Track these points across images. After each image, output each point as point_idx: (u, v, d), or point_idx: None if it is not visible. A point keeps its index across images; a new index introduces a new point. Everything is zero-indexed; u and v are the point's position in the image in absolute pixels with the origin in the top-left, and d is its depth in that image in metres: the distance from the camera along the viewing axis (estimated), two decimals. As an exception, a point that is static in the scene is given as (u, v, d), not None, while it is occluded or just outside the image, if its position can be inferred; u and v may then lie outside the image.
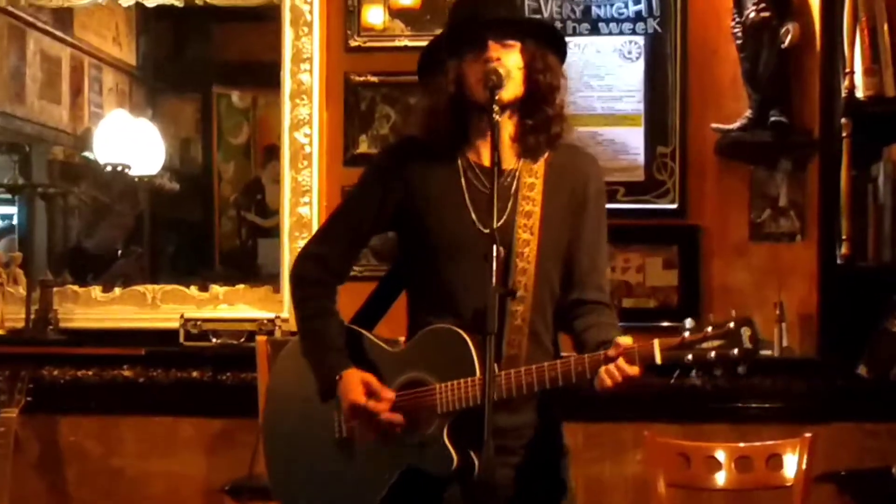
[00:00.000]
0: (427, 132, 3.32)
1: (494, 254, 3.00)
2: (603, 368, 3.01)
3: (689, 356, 3.02)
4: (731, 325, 3.03)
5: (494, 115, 3.10)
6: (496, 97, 3.10)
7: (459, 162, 3.25)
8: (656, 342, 3.02)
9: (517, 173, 3.23)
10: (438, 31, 3.58)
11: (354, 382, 3.19)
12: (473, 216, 3.20)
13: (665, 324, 4.46)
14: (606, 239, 3.39)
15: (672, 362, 3.03)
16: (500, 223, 3.08)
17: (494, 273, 3.00)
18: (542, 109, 3.24)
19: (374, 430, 3.19)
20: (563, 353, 3.27)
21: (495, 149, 3.11)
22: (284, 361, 3.60)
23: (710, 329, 3.03)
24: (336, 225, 3.48)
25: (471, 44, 3.19)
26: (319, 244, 3.48)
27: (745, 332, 3.04)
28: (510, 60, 3.18)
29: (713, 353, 3.02)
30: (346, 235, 3.43)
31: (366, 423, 3.19)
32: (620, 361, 2.99)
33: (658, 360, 3.00)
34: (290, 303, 3.50)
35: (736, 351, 3.01)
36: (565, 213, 3.27)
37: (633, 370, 2.99)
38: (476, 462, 3.09)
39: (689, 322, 3.12)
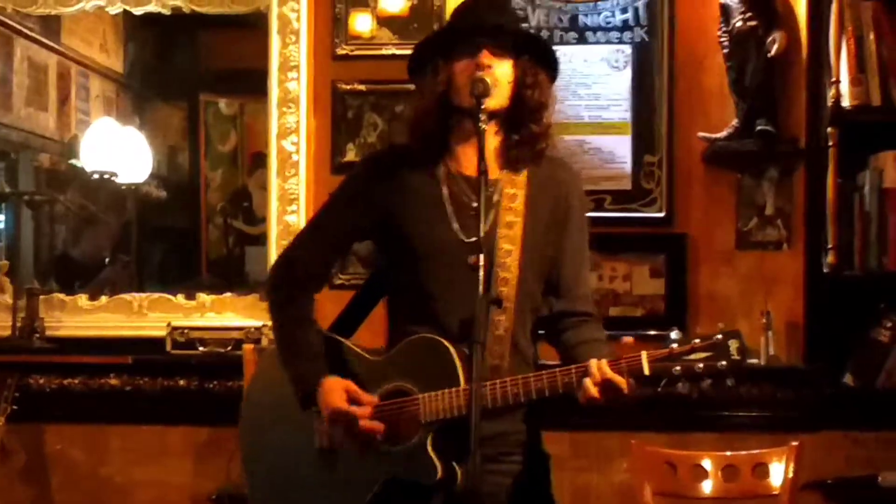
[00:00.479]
0: (413, 132, 3.33)
1: (482, 263, 3.01)
2: (588, 380, 3.03)
3: (677, 367, 3.04)
4: (719, 337, 3.06)
5: (481, 123, 3.11)
6: (482, 105, 3.12)
7: (441, 170, 3.26)
8: (644, 353, 3.05)
9: (500, 184, 3.25)
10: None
11: (335, 389, 3.18)
12: (455, 225, 3.21)
13: (652, 332, 4.47)
14: (589, 250, 3.42)
15: (659, 373, 3.05)
16: (487, 227, 3.11)
17: (482, 282, 3.02)
18: (527, 125, 3.27)
19: (354, 437, 3.18)
20: (541, 361, 3.28)
21: (482, 158, 3.10)
22: (263, 370, 3.61)
23: (697, 341, 3.06)
24: (315, 232, 3.50)
25: (466, 47, 3.20)
26: (297, 250, 3.48)
27: (733, 344, 3.06)
28: (501, 70, 3.19)
29: (701, 365, 3.05)
30: (324, 243, 3.45)
31: (346, 429, 3.18)
32: (605, 368, 3.01)
33: (646, 371, 3.03)
34: (267, 305, 3.47)
35: (724, 363, 3.04)
36: (547, 225, 3.29)
37: (621, 381, 3.00)
38: (459, 472, 3.10)
39: (675, 334, 3.14)
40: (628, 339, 3.13)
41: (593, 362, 3.03)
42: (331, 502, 3.33)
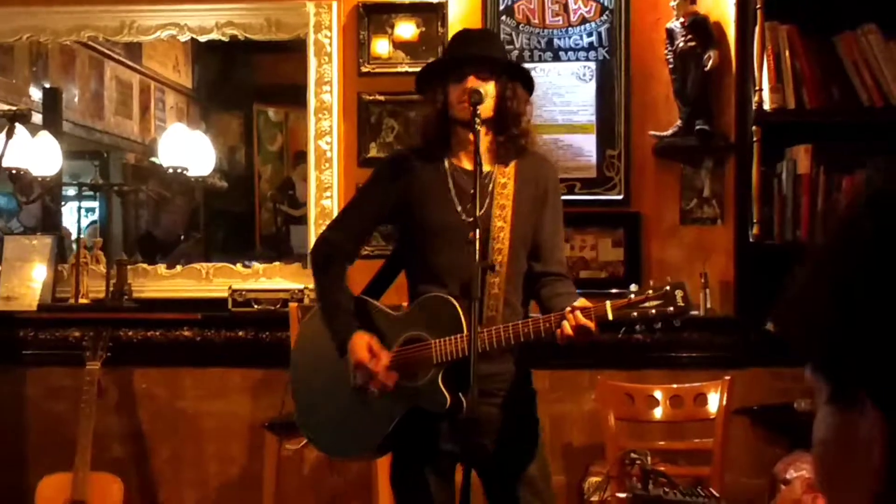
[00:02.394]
0: (422, 137, 3.45)
1: (478, 236, 3.11)
2: (566, 323, 3.10)
3: (635, 313, 3.12)
4: (668, 287, 3.14)
5: (476, 125, 3.21)
6: (477, 111, 3.22)
7: (445, 166, 3.35)
8: (608, 303, 3.16)
9: (493, 175, 3.32)
10: (432, 59, 3.66)
11: (361, 344, 3.26)
12: (458, 208, 3.30)
13: (614, 290, 4.46)
14: (563, 225, 3.52)
15: (621, 319, 3.11)
16: (480, 213, 3.18)
17: (478, 252, 3.11)
18: (509, 129, 3.37)
19: (373, 384, 3.26)
20: (531, 315, 3.32)
21: (477, 152, 3.25)
22: (308, 324, 3.64)
23: (650, 291, 3.16)
24: (347, 217, 3.61)
25: (456, 74, 3.29)
26: (333, 231, 3.57)
27: (679, 293, 3.14)
28: (485, 90, 3.31)
29: (654, 311, 3.13)
30: (354, 226, 3.54)
31: (367, 378, 3.25)
32: (579, 315, 3.06)
33: (610, 317, 3.12)
34: (312, 273, 3.53)
35: (672, 308, 3.13)
36: (531, 206, 3.38)
37: (590, 324, 3.06)
38: (463, 402, 3.13)
39: (633, 286, 3.21)
40: (582, 301, 3.18)
41: (568, 311, 3.10)
42: (362, 428, 3.39)
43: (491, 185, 3.32)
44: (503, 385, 3.37)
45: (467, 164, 3.35)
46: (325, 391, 3.45)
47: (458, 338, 3.18)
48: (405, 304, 3.48)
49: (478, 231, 3.14)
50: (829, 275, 0.80)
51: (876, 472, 0.78)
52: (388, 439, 3.34)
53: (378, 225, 3.57)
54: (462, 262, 3.20)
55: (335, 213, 4.98)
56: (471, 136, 3.27)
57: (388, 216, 3.50)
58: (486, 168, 3.31)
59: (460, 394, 3.15)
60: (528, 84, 3.44)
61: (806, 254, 0.82)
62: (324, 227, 4.93)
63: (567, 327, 3.09)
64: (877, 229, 0.81)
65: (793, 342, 0.80)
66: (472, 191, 3.23)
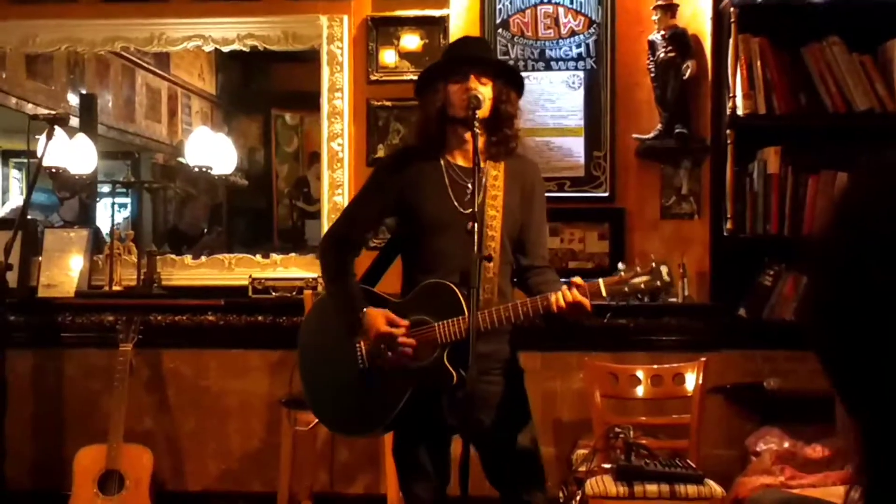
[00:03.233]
0: (420, 135, 3.44)
1: (476, 228, 3.10)
2: (560, 294, 3.11)
3: (626, 289, 3.17)
4: (654, 265, 3.18)
5: (476, 128, 3.20)
6: (476, 115, 3.21)
7: (441, 163, 3.35)
8: (601, 280, 3.17)
9: (486, 170, 3.31)
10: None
11: (378, 317, 3.27)
12: (454, 202, 3.29)
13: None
14: (547, 221, 3.54)
15: (613, 294, 3.13)
16: (477, 205, 3.19)
17: (476, 243, 3.09)
18: (502, 130, 3.38)
19: (394, 351, 3.25)
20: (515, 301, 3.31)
21: (476, 152, 3.22)
22: (313, 314, 3.64)
23: (638, 269, 3.16)
24: (351, 212, 3.59)
25: (458, 74, 3.27)
26: (338, 226, 3.56)
27: (664, 269, 3.19)
28: (484, 90, 3.29)
29: (643, 286, 3.15)
30: (358, 220, 3.52)
31: (388, 346, 3.25)
32: (575, 291, 3.10)
33: (604, 293, 3.15)
34: (320, 265, 3.53)
35: (659, 283, 3.18)
36: (519, 201, 3.41)
37: (584, 301, 3.07)
38: (465, 377, 3.13)
39: (621, 265, 3.24)
40: (578, 279, 3.18)
41: (565, 287, 3.13)
42: (371, 408, 3.37)
43: (484, 180, 3.31)
44: (498, 364, 3.37)
45: (461, 161, 3.34)
46: (334, 375, 3.43)
47: (460, 320, 3.18)
48: (398, 291, 3.46)
49: (475, 224, 3.13)
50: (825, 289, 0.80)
51: (856, 450, 0.78)
52: (397, 417, 3.33)
53: (382, 218, 3.56)
54: (458, 251, 3.19)
55: (347, 210, 5.01)
56: (468, 136, 3.27)
57: (390, 210, 3.48)
58: (480, 162, 3.28)
59: (462, 371, 3.15)
60: (519, 89, 3.44)
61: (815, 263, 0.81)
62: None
63: (561, 299, 3.10)
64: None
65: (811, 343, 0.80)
66: (467, 185, 3.24)
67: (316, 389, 3.52)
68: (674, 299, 4.80)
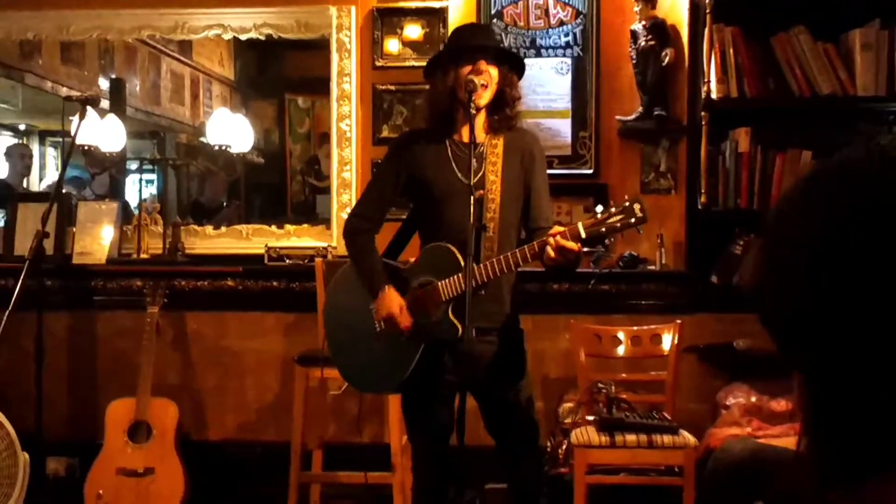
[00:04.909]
0: (430, 114, 3.47)
1: (474, 199, 3.15)
2: (549, 247, 3.10)
3: (603, 228, 3.13)
4: (627, 203, 3.16)
5: (471, 108, 3.23)
6: (473, 98, 3.21)
7: (447, 140, 3.35)
8: (580, 223, 3.15)
9: (486, 145, 3.32)
10: (434, 54, 3.65)
11: (391, 300, 3.32)
12: (458, 175, 3.29)
13: (586, 250, 4.46)
14: (548, 185, 3.51)
15: (592, 234, 3.09)
16: (477, 177, 3.20)
17: (472, 214, 3.13)
18: (504, 110, 3.39)
19: (397, 332, 3.32)
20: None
21: (472, 130, 3.28)
22: (338, 280, 3.65)
23: (613, 208, 3.13)
24: (368, 193, 3.62)
25: (468, 59, 3.27)
26: (360, 207, 3.59)
27: (637, 206, 3.16)
28: (492, 73, 3.32)
29: (619, 224, 3.12)
30: (375, 200, 3.54)
31: (389, 326, 3.33)
32: (559, 239, 3.07)
33: (583, 234, 3.12)
34: (345, 245, 3.55)
35: (633, 219, 3.14)
36: (518, 168, 3.42)
37: (569, 244, 3.05)
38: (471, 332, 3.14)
39: (599, 207, 3.21)
40: (557, 227, 3.18)
41: (549, 237, 3.10)
42: (389, 369, 3.42)
43: (485, 153, 3.33)
44: (498, 324, 3.38)
45: (465, 138, 3.35)
46: (355, 340, 3.47)
47: (460, 277, 3.19)
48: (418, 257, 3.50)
49: (475, 194, 3.16)
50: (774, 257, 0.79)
51: (801, 410, 0.79)
52: (408, 378, 3.35)
53: (395, 195, 3.54)
54: (462, 218, 3.19)
55: (354, 184, 5.01)
56: (471, 114, 3.27)
57: (402, 187, 3.48)
58: (480, 139, 3.32)
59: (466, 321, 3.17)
60: (520, 72, 3.45)
61: (769, 235, 0.81)
62: (345, 196, 5.00)
63: (550, 251, 3.08)
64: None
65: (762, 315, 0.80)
66: (470, 159, 3.23)
67: (341, 353, 3.55)
68: (652, 267, 4.81)
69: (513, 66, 3.42)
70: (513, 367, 3.43)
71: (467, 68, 3.28)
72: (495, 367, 3.37)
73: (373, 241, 3.47)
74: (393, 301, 3.30)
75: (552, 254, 3.07)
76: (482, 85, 3.26)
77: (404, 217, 3.70)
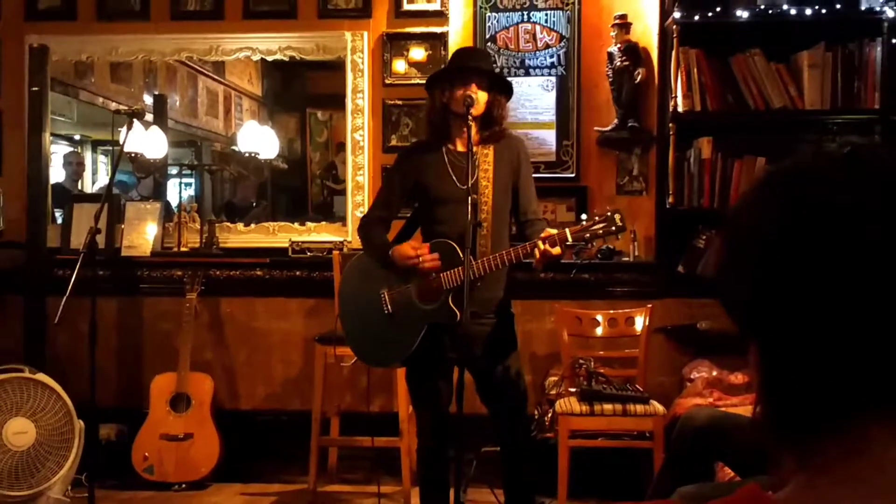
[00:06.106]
0: (428, 125, 3.51)
1: (471, 200, 3.16)
2: (537, 251, 3.15)
3: (587, 234, 3.17)
4: (609, 213, 3.18)
5: (469, 120, 3.21)
6: (470, 112, 3.22)
7: (444, 150, 3.36)
8: (567, 230, 3.22)
9: (478, 154, 3.32)
10: (437, 72, 3.64)
11: (402, 246, 3.36)
12: (454, 179, 3.31)
13: (568, 243, 4.47)
14: (534, 183, 3.54)
15: (578, 239, 3.15)
16: (472, 181, 3.20)
17: (469, 212, 3.13)
18: (492, 126, 3.40)
19: (421, 269, 3.28)
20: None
21: (470, 140, 3.29)
22: (349, 269, 3.66)
23: (597, 217, 3.18)
24: (379, 198, 3.65)
25: (462, 80, 3.28)
26: (372, 210, 3.62)
27: (617, 216, 3.21)
28: (481, 95, 3.32)
29: (601, 231, 3.16)
30: (385, 202, 3.57)
31: (415, 266, 3.29)
32: (547, 246, 3.12)
33: (570, 239, 3.17)
34: (358, 239, 3.60)
35: (614, 227, 3.19)
36: (508, 171, 3.42)
37: (555, 250, 3.11)
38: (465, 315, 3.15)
39: (584, 216, 3.25)
40: (549, 230, 3.20)
41: (539, 241, 3.14)
42: (395, 341, 3.41)
43: (477, 160, 3.33)
44: (493, 308, 3.40)
45: (461, 148, 3.36)
46: (366, 319, 3.48)
47: (460, 269, 3.21)
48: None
49: (471, 197, 3.16)
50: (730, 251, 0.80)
51: (756, 378, 0.80)
52: (413, 353, 3.36)
53: (403, 198, 3.56)
54: (459, 218, 3.21)
55: (366, 187, 5.01)
56: (464, 127, 3.28)
57: (409, 190, 3.49)
58: (473, 149, 3.32)
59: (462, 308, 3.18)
60: (509, 94, 3.45)
61: (726, 228, 0.82)
62: (359, 197, 5.00)
63: (538, 253, 3.13)
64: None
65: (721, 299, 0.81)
66: (465, 166, 3.24)
67: (353, 331, 3.56)
68: (626, 258, 4.81)
69: (501, 89, 3.42)
70: (504, 345, 3.44)
71: (460, 89, 3.31)
72: (488, 345, 3.38)
73: (384, 232, 3.50)
74: (403, 246, 3.33)
75: (538, 256, 3.13)
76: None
77: (407, 216, 3.71)
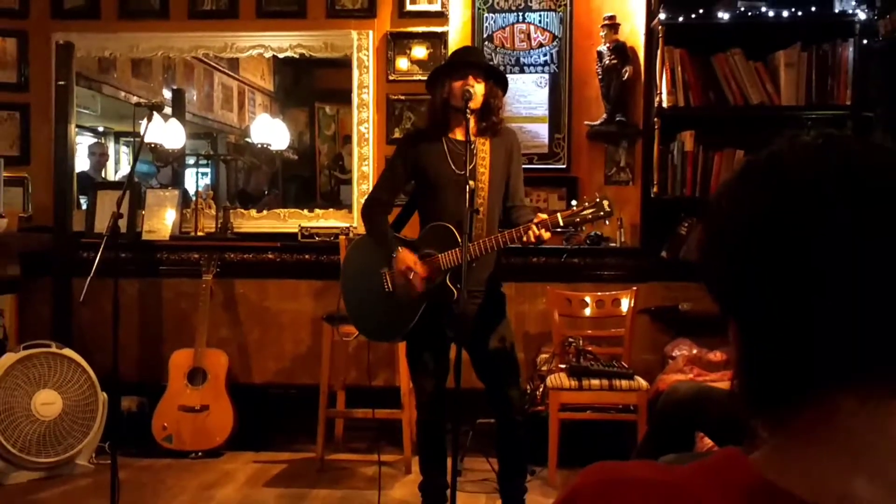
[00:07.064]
0: (429, 118, 3.47)
1: (469, 188, 3.13)
2: (530, 233, 3.15)
3: (577, 219, 3.17)
4: (598, 199, 3.16)
5: (467, 112, 3.20)
6: (469, 104, 3.20)
7: (443, 139, 3.35)
8: (559, 213, 3.22)
9: (476, 143, 3.32)
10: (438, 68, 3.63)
11: (406, 255, 3.32)
12: (452, 166, 3.29)
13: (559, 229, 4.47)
14: (523, 173, 3.54)
15: (568, 223, 3.15)
16: (470, 167, 3.19)
17: (468, 199, 3.11)
18: (490, 118, 3.37)
19: (411, 283, 3.29)
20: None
21: (468, 131, 3.27)
22: (351, 253, 3.66)
23: (586, 203, 3.15)
24: (381, 181, 3.61)
25: (460, 73, 3.27)
26: (375, 192, 3.59)
27: (605, 202, 3.20)
28: (478, 87, 3.27)
29: (590, 215, 3.16)
30: (386, 186, 3.54)
31: (407, 278, 3.30)
32: (540, 228, 3.14)
33: (561, 223, 3.19)
34: (361, 221, 3.57)
35: (602, 213, 3.17)
36: (503, 161, 3.41)
37: (546, 234, 3.12)
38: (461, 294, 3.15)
39: (574, 202, 3.24)
40: (541, 214, 3.21)
41: (532, 223, 3.15)
42: (396, 320, 3.41)
43: (475, 150, 3.33)
44: (484, 287, 3.40)
45: (459, 137, 3.35)
46: (367, 297, 3.47)
47: (457, 251, 3.22)
48: (416, 234, 3.48)
49: (469, 184, 3.15)
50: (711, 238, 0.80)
51: (734, 354, 0.80)
52: (412, 329, 3.36)
53: (404, 182, 3.55)
54: (456, 203, 3.21)
55: (371, 176, 4.99)
56: (463, 119, 3.28)
57: (409, 175, 3.49)
58: (471, 138, 3.30)
59: (459, 285, 3.17)
60: (505, 87, 3.43)
61: (706, 216, 0.82)
62: (364, 185, 4.99)
63: (531, 236, 3.13)
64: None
65: (704, 280, 0.81)
66: (463, 154, 3.23)
67: (354, 308, 3.55)
68: (613, 244, 4.81)
69: (497, 81, 3.41)
70: (496, 320, 3.45)
71: (458, 82, 3.30)
72: (482, 321, 3.39)
73: (385, 217, 3.49)
74: (408, 256, 3.31)
75: (532, 238, 3.13)
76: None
77: (406, 202, 3.71)
